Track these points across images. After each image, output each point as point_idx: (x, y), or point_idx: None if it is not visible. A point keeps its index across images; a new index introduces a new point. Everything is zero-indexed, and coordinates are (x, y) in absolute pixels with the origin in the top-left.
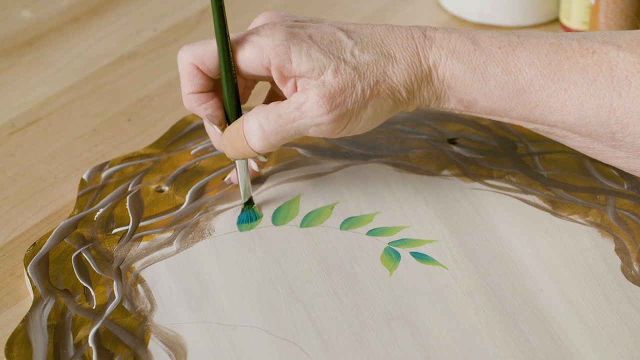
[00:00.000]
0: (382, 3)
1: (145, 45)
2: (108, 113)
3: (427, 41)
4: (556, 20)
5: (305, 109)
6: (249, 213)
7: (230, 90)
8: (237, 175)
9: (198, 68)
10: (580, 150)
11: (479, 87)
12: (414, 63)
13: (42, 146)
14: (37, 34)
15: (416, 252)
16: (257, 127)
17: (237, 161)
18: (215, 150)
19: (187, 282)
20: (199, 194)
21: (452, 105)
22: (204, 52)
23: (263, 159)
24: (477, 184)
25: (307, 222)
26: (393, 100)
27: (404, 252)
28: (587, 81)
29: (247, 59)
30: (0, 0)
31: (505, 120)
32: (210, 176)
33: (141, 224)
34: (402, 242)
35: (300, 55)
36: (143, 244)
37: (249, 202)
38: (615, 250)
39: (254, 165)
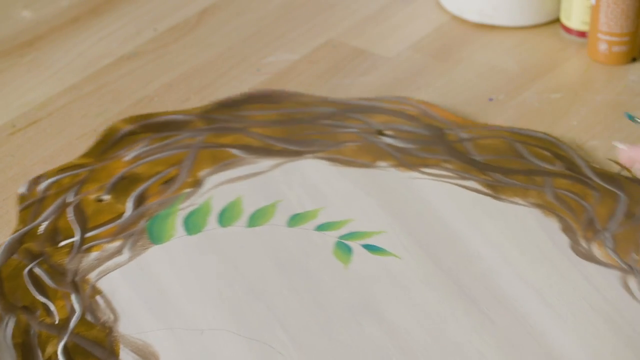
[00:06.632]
0: (382, 3)
1: (145, 46)
2: (108, 113)
3: None
4: (556, 21)
5: None
6: None
7: None
8: None
9: None
10: None
11: None
12: None
13: (43, 146)
14: (37, 34)
15: (367, 244)
16: None
17: None
18: (149, 156)
19: (145, 289)
20: (140, 200)
21: None
22: None
23: None
24: (414, 173)
25: (253, 221)
26: None
27: (355, 245)
28: None
29: None
30: (0, 1)
31: None
32: (148, 182)
33: (88, 234)
34: (351, 235)
35: None
36: (93, 254)
37: None
38: (561, 229)
39: None
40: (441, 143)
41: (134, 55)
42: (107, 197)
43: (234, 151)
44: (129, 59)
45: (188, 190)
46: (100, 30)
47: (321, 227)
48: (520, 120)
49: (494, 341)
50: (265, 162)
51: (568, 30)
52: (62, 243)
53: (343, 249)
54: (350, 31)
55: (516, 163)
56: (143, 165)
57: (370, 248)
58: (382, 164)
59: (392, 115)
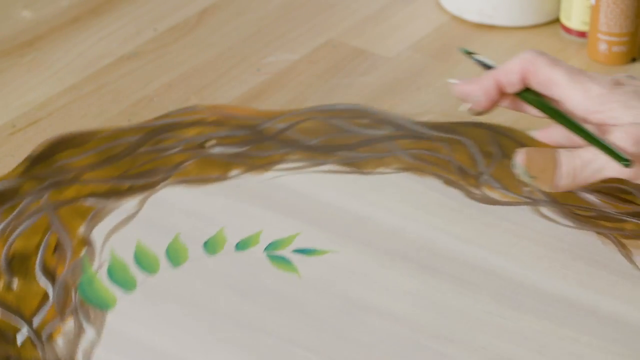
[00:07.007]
0: (382, 3)
1: (145, 46)
2: (108, 113)
3: None
4: (556, 21)
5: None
6: None
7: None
8: None
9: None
10: None
11: None
12: None
13: None
14: (38, 34)
15: (297, 249)
16: (570, 171)
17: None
18: (13, 230)
19: (141, 356)
20: (50, 275)
21: None
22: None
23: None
24: (271, 173)
25: (174, 261)
26: None
27: (286, 253)
28: None
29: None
30: (0, 1)
31: None
32: (39, 255)
33: (35, 324)
34: (274, 245)
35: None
36: (59, 340)
37: None
38: (444, 183)
39: None
40: (266, 139)
41: (134, 55)
42: (15, 282)
43: (88, 202)
44: (129, 59)
45: (84, 250)
46: (100, 30)
47: (239, 247)
48: (520, 120)
49: (486, 297)
50: (128, 203)
51: (568, 30)
52: (19, 340)
53: (279, 260)
54: (350, 31)
55: (349, 138)
56: (16, 241)
57: (304, 252)
58: (234, 172)
59: (197, 126)
